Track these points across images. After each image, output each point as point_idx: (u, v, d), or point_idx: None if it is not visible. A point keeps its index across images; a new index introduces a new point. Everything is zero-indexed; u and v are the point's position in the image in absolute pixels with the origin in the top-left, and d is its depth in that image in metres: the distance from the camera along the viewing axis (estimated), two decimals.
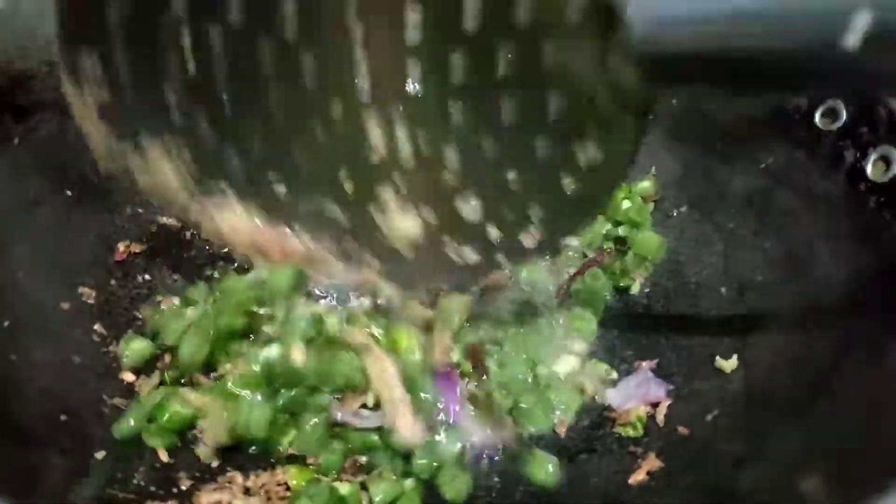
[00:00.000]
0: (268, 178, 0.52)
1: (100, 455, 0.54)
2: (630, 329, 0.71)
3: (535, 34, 0.46)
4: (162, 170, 0.50)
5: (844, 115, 0.64)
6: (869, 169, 0.62)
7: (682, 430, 0.61)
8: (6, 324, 0.57)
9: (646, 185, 0.76)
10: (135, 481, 0.54)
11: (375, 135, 0.51)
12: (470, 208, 0.52)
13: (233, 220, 0.52)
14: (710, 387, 0.63)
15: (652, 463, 0.58)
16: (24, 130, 0.67)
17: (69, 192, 0.69)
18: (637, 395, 0.64)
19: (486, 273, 0.60)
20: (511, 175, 0.51)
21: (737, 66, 0.40)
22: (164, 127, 0.50)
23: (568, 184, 0.50)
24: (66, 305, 0.64)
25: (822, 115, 0.66)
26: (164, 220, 0.75)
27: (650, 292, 0.73)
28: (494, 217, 0.52)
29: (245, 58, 0.49)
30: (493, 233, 0.52)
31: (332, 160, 0.52)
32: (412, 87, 0.50)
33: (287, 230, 0.52)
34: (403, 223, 0.52)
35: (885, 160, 0.61)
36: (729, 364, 0.63)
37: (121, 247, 0.70)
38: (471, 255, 0.52)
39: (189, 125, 0.50)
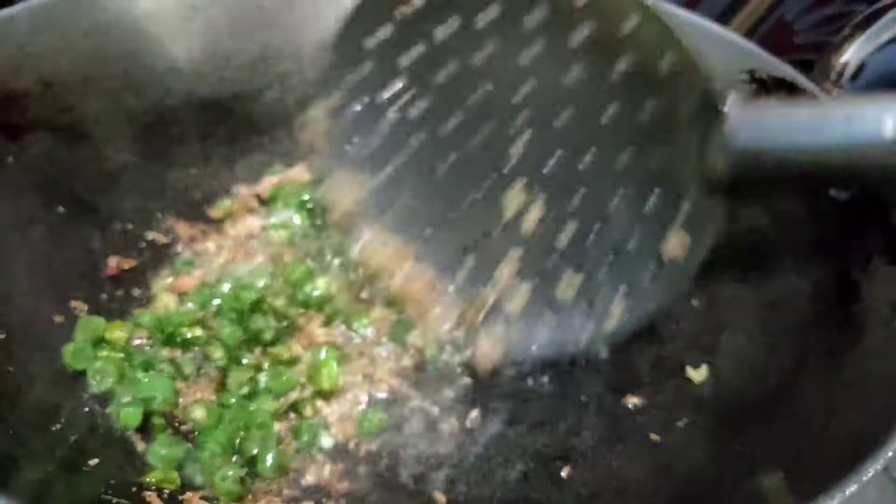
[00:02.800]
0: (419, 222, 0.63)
1: (94, 462, 0.56)
2: None
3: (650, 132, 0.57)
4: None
5: None
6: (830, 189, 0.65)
7: (653, 437, 0.63)
8: (2, 336, 0.59)
9: None
10: (127, 487, 0.56)
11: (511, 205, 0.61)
12: (569, 283, 0.61)
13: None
14: (680, 395, 0.66)
15: None
16: (17, 149, 0.68)
17: (61, 209, 0.71)
18: None
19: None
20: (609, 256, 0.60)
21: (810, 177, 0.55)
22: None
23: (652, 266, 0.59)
24: (59, 318, 0.66)
25: None
26: (152, 235, 0.77)
27: None
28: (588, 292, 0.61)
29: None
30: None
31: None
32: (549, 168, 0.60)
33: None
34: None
35: None
36: (698, 373, 0.66)
37: (111, 262, 0.72)
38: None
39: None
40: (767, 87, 0.71)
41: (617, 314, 0.60)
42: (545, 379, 0.69)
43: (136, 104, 0.78)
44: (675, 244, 0.58)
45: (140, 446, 0.60)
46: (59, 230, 0.70)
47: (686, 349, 0.69)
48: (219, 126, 0.83)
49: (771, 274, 0.67)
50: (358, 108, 0.63)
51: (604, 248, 0.60)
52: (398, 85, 0.61)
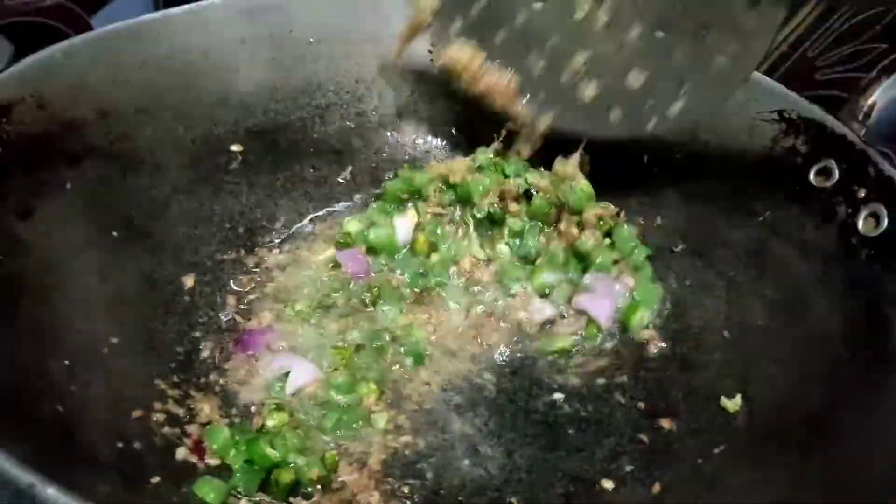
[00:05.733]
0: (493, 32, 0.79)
1: (155, 480, 0.58)
2: (636, 369, 0.76)
3: None
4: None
5: (837, 174, 0.70)
6: (860, 224, 0.67)
7: (690, 463, 0.65)
8: (66, 362, 0.62)
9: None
10: None
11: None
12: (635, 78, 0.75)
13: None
14: (715, 424, 0.68)
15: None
16: (75, 175, 0.71)
17: (115, 234, 0.73)
18: None
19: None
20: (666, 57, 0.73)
21: None
22: None
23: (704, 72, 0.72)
24: (115, 340, 0.68)
25: (816, 174, 0.72)
26: (198, 259, 0.80)
27: (656, 334, 0.78)
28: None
29: None
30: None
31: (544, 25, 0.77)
32: None
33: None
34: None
35: (875, 217, 0.66)
36: (732, 403, 0.68)
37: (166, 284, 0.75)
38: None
39: None
40: (797, 127, 0.74)
41: (677, 108, 0.73)
42: (581, 405, 0.72)
43: (186, 133, 0.81)
44: (729, 49, 0.70)
45: (200, 467, 0.62)
46: (114, 254, 0.72)
47: (719, 379, 0.71)
48: (263, 156, 0.86)
49: (802, 308, 0.69)
50: None
51: (663, 49, 0.73)
52: None
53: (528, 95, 0.79)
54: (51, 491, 0.42)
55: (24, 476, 0.43)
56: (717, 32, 0.70)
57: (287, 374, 0.71)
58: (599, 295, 0.78)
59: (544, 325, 0.78)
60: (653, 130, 0.76)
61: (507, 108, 0.80)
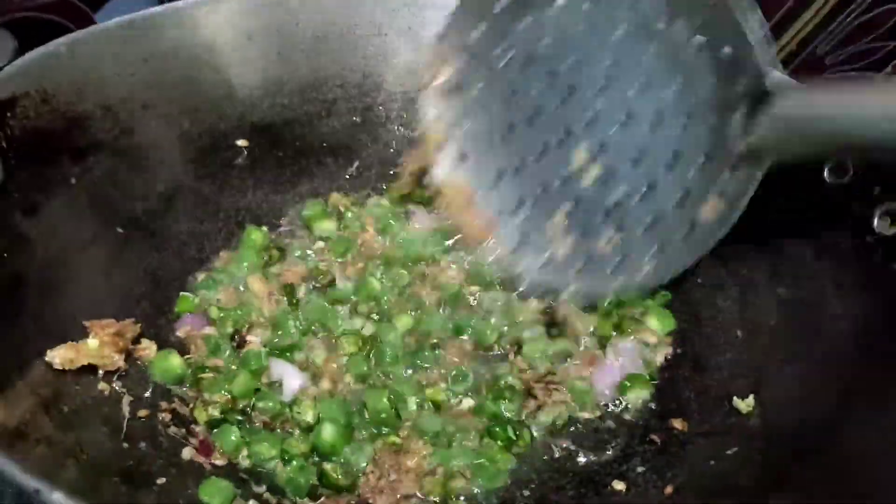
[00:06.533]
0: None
1: (161, 481, 0.57)
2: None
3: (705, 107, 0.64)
4: None
5: (851, 172, 0.69)
6: (875, 223, 0.66)
7: (702, 464, 0.64)
8: None
9: None
10: None
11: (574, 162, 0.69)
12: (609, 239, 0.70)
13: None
14: (728, 424, 0.67)
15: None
16: (80, 171, 0.70)
17: (120, 230, 0.72)
18: None
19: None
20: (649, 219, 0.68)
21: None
22: None
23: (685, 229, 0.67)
24: None
25: (830, 171, 0.71)
26: (203, 256, 0.79)
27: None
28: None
29: None
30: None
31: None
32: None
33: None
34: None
35: (891, 215, 0.65)
36: (745, 404, 0.67)
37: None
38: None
39: None
40: None
41: (646, 270, 0.69)
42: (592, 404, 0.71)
43: (192, 128, 0.80)
44: (709, 209, 0.66)
45: (206, 468, 0.61)
46: (119, 251, 0.72)
47: (732, 379, 0.70)
48: (269, 151, 0.85)
49: (816, 308, 0.68)
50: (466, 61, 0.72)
51: (645, 211, 0.68)
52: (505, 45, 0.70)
53: (503, 236, 0.72)
54: (56, 496, 0.41)
55: (29, 481, 0.42)
56: (699, 195, 0.66)
57: (280, 383, 0.70)
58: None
59: None
60: (616, 291, 0.72)
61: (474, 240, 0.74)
